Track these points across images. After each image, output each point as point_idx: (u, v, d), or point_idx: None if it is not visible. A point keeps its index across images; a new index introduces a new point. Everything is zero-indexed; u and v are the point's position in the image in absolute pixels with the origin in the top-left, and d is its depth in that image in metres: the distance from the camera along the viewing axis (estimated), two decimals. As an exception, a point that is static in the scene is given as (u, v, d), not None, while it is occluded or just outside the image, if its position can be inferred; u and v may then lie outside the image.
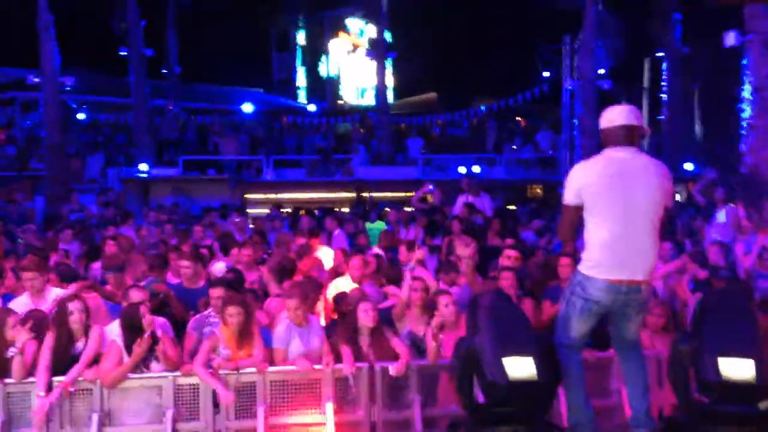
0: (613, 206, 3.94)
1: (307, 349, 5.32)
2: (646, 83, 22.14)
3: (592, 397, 4.37)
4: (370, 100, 30.57)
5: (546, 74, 21.40)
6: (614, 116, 4.08)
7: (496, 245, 8.23)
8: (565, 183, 4.18)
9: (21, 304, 5.70)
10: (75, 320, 5.09)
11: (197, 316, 5.77)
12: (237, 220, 11.60)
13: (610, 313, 4.14)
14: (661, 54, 19.81)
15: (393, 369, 5.17)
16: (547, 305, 6.18)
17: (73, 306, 5.13)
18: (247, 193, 18.40)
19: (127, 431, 5.03)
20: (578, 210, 4.08)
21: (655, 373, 5.18)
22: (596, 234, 4.00)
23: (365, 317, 5.35)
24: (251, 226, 11.71)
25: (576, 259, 4.52)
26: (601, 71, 18.10)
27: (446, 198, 12.39)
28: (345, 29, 32.30)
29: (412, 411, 5.13)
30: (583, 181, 4.05)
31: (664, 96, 19.85)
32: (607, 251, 3.96)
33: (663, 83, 19.82)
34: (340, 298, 6.20)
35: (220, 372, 5.06)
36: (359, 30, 31.40)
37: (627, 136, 4.03)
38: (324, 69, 32.35)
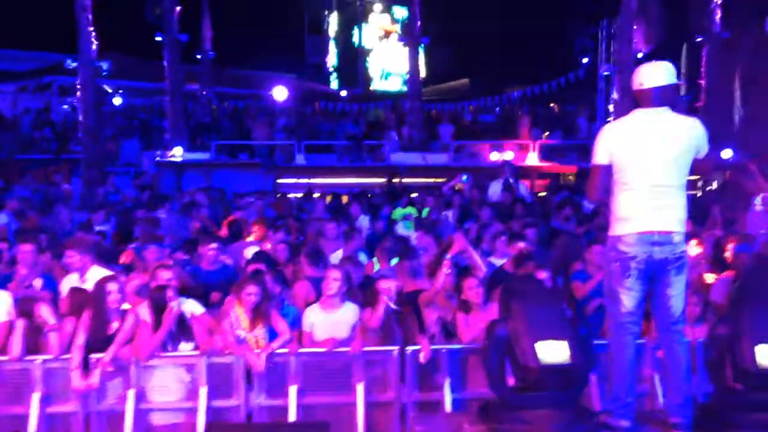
0: (640, 162, 3.95)
1: (329, 336, 5.33)
2: (684, 69, 21.66)
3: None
4: (395, 84, 30.44)
5: (584, 60, 21.04)
6: (644, 79, 4.07)
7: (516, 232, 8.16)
8: (595, 143, 4.18)
9: (71, 282, 5.87)
10: (112, 301, 5.18)
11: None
12: (252, 200, 11.70)
13: (651, 281, 4.02)
14: (700, 39, 19.37)
15: (421, 357, 5.17)
16: (578, 285, 6.18)
17: (110, 287, 5.22)
18: (279, 177, 18.48)
19: (161, 408, 5.12)
20: (608, 170, 4.08)
21: (691, 360, 5.08)
22: (624, 192, 4.02)
23: (387, 293, 5.36)
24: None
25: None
26: (639, 56, 17.73)
27: (478, 185, 12.31)
28: (378, 13, 32.21)
29: (442, 393, 5.13)
30: (611, 140, 4.07)
31: (702, 82, 19.41)
32: (635, 206, 3.97)
33: (702, 69, 19.38)
34: (368, 281, 6.21)
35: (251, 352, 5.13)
36: (399, 17, 31.17)
37: (658, 98, 4.03)
38: (356, 38, 32.10)
